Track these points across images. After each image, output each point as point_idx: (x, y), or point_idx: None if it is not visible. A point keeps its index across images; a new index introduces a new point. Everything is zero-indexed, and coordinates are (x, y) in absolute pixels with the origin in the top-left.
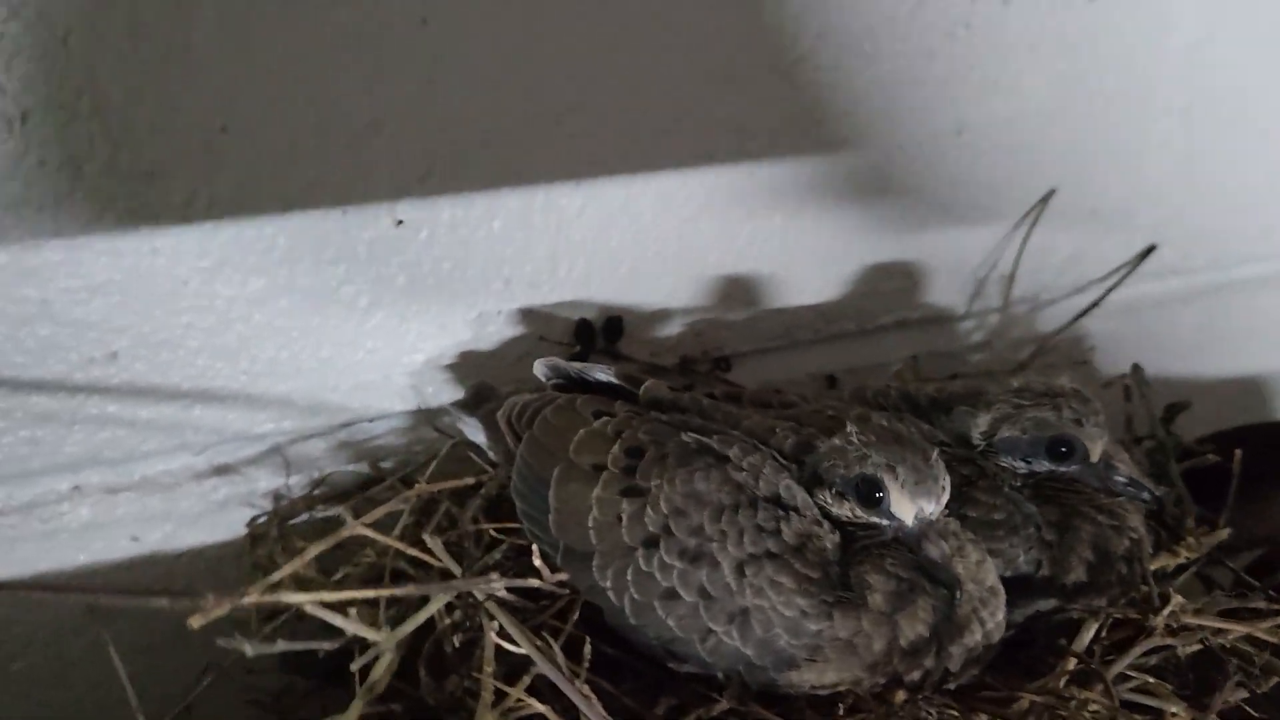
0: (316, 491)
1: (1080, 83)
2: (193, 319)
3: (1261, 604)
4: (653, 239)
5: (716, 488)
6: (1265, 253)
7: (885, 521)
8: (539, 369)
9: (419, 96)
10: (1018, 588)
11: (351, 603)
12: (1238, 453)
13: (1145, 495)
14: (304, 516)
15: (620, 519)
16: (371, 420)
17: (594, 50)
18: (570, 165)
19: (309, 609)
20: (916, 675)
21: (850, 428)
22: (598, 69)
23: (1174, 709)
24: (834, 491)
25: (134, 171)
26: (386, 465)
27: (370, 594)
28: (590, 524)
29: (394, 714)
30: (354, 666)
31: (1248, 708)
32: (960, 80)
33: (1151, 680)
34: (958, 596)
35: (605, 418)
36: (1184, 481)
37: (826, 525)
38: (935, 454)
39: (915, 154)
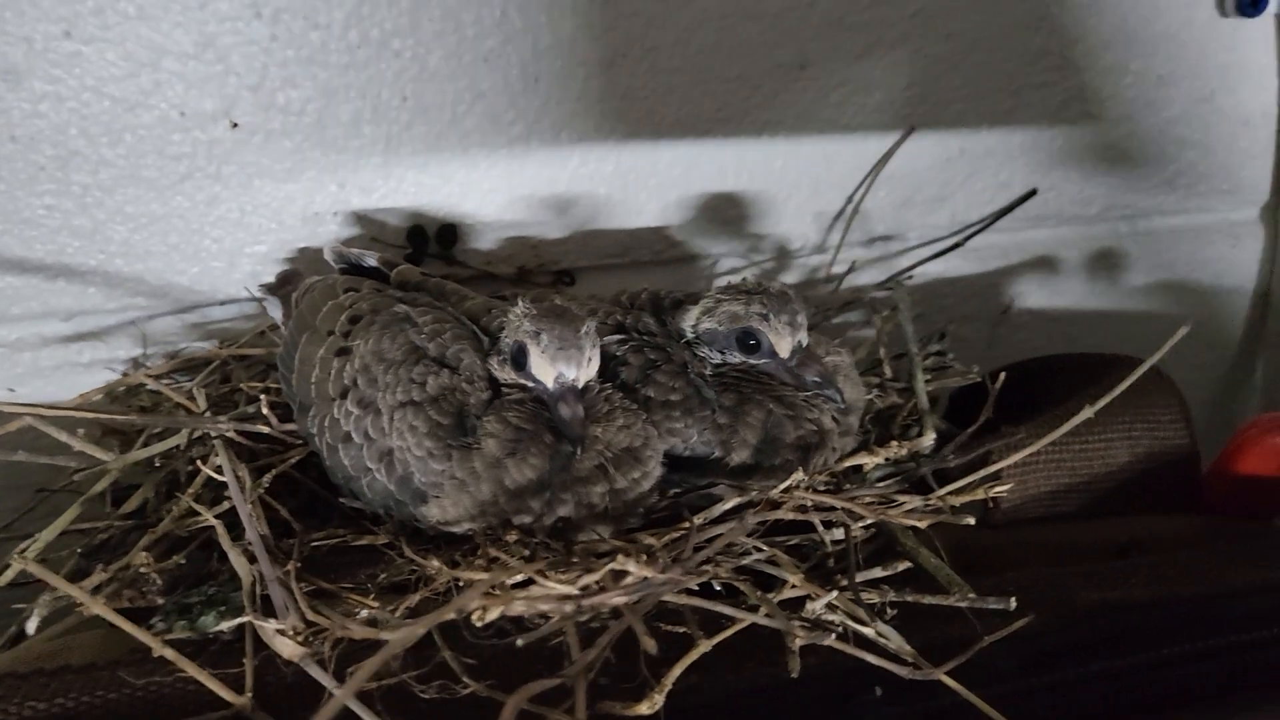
0: (169, 361)
1: None
2: (53, 201)
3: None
4: (482, 157)
5: (396, 347)
6: None
7: (531, 383)
8: (328, 254)
9: None
10: (693, 467)
11: (82, 423)
12: (1001, 375)
13: (830, 394)
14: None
15: (330, 375)
16: (221, 304)
17: None
18: (398, 81)
19: (36, 424)
20: (527, 518)
21: (520, 302)
22: None
23: (794, 579)
24: (500, 358)
25: None
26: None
27: (100, 415)
28: (313, 380)
29: (127, 527)
30: (75, 477)
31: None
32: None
33: (777, 553)
34: (578, 452)
35: (351, 293)
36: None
37: (481, 384)
38: (587, 328)
39: (760, 85)
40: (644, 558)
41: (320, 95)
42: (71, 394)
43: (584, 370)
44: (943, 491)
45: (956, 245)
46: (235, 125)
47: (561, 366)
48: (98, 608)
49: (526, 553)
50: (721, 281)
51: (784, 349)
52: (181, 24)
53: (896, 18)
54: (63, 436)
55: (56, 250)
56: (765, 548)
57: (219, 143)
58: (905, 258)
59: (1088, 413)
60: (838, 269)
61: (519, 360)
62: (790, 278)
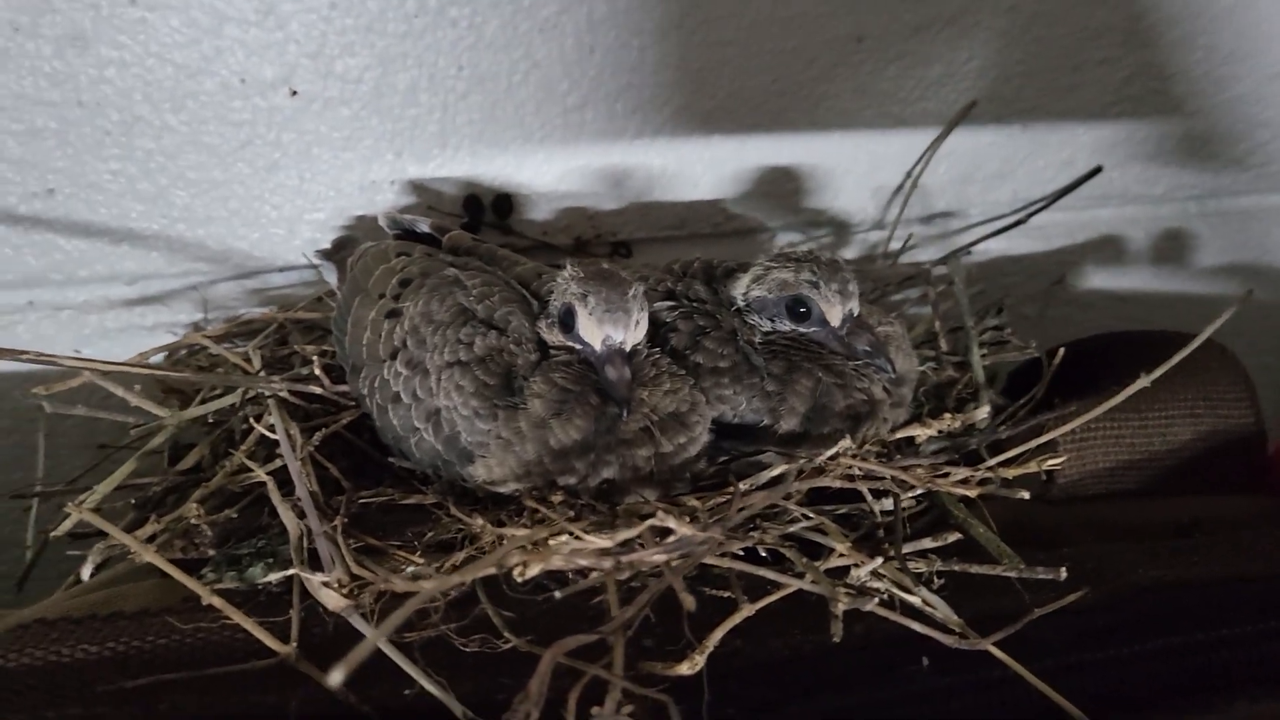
0: (234, 328)
1: None
2: (118, 166)
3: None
4: (537, 126)
5: (445, 309)
6: None
7: (578, 345)
8: (382, 220)
9: None
10: (741, 434)
11: (139, 379)
12: (1060, 350)
13: (881, 363)
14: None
15: (380, 336)
16: (280, 270)
17: None
18: (455, 50)
19: (95, 379)
20: (572, 479)
21: (569, 265)
22: None
23: (841, 547)
24: (548, 320)
25: None
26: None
27: (155, 372)
28: (364, 342)
29: (182, 482)
30: (133, 433)
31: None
32: None
33: (825, 521)
34: (624, 414)
35: (403, 257)
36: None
37: (529, 346)
38: (635, 291)
39: (816, 57)
40: (685, 518)
41: (378, 63)
42: (135, 356)
43: (631, 333)
44: (993, 461)
45: (1018, 223)
46: (294, 93)
47: (609, 328)
48: (150, 556)
49: (571, 513)
50: None
51: (834, 317)
52: None
53: None
54: (120, 392)
55: (121, 214)
56: (813, 515)
57: (278, 110)
58: (966, 235)
59: (1143, 382)
60: (896, 244)
61: (567, 322)
62: (849, 253)
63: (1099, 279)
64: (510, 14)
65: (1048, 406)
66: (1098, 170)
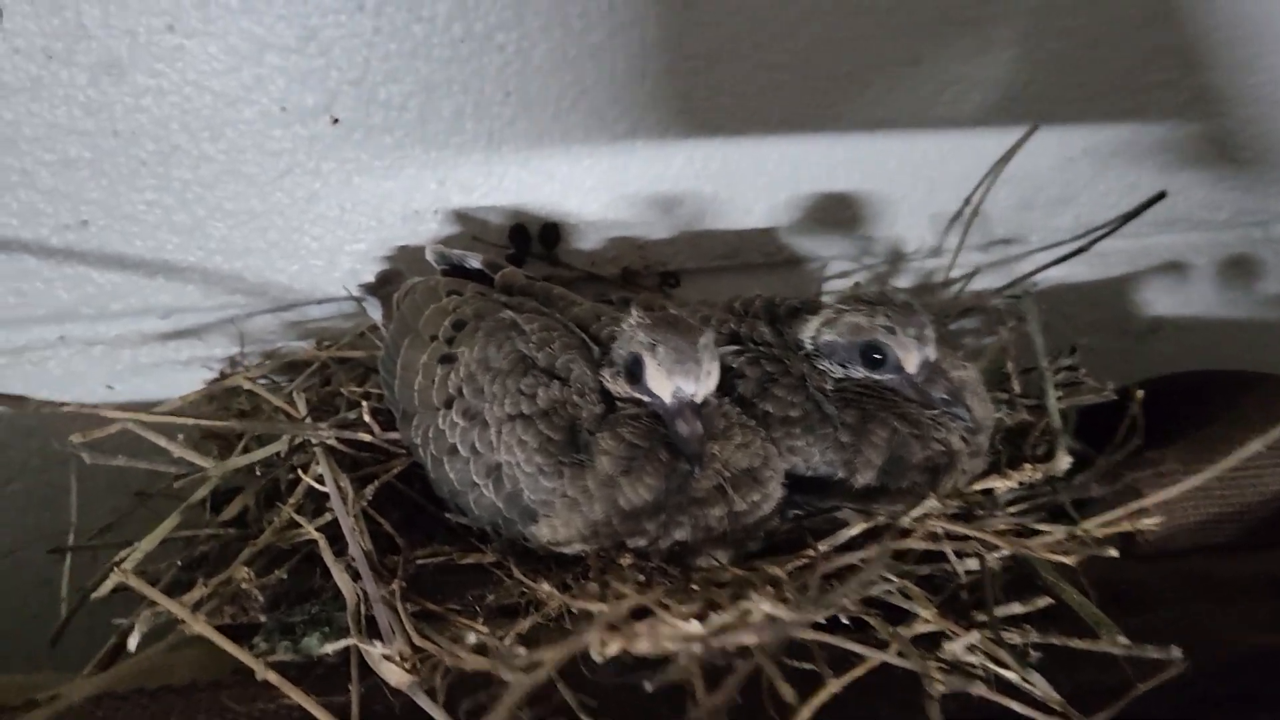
0: (268, 362)
1: None
2: (153, 197)
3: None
4: (584, 154)
5: (503, 356)
6: None
7: (647, 397)
8: (429, 254)
9: None
10: (814, 487)
11: (182, 429)
12: (1138, 393)
13: (959, 412)
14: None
15: (433, 382)
16: (319, 303)
17: None
18: (501, 76)
19: (133, 428)
20: (642, 541)
21: (634, 311)
22: None
23: (926, 613)
24: (613, 370)
25: None
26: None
27: (201, 422)
28: (416, 387)
29: (226, 535)
30: (177, 483)
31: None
32: None
33: (908, 585)
34: (696, 471)
35: (454, 296)
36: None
37: (593, 397)
38: (705, 340)
39: (871, 81)
40: (771, 590)
41: (422, 90)
42: (169, 392)
43: (702, 384)
44: (1089, 525)
45: (1081, 250)
46: (336, 120)
47: (679, 380)
48: (200, 626)
49: (642, 578)
50: (832, 285)
51: (911, 364)
52: (284, 17)
53: (1012, 12)
54: (162, 442)
55: (156, 246)
56: (895, 578)
57: (319, 138)
58: (1026, 262)
59: (1257, 445)
60: (955, 273)
61: (634, 373)
62: (903, 281)
63: (1162, 307)
64: (559, 38)
65: (1130, 452)
66: (1162, 195)
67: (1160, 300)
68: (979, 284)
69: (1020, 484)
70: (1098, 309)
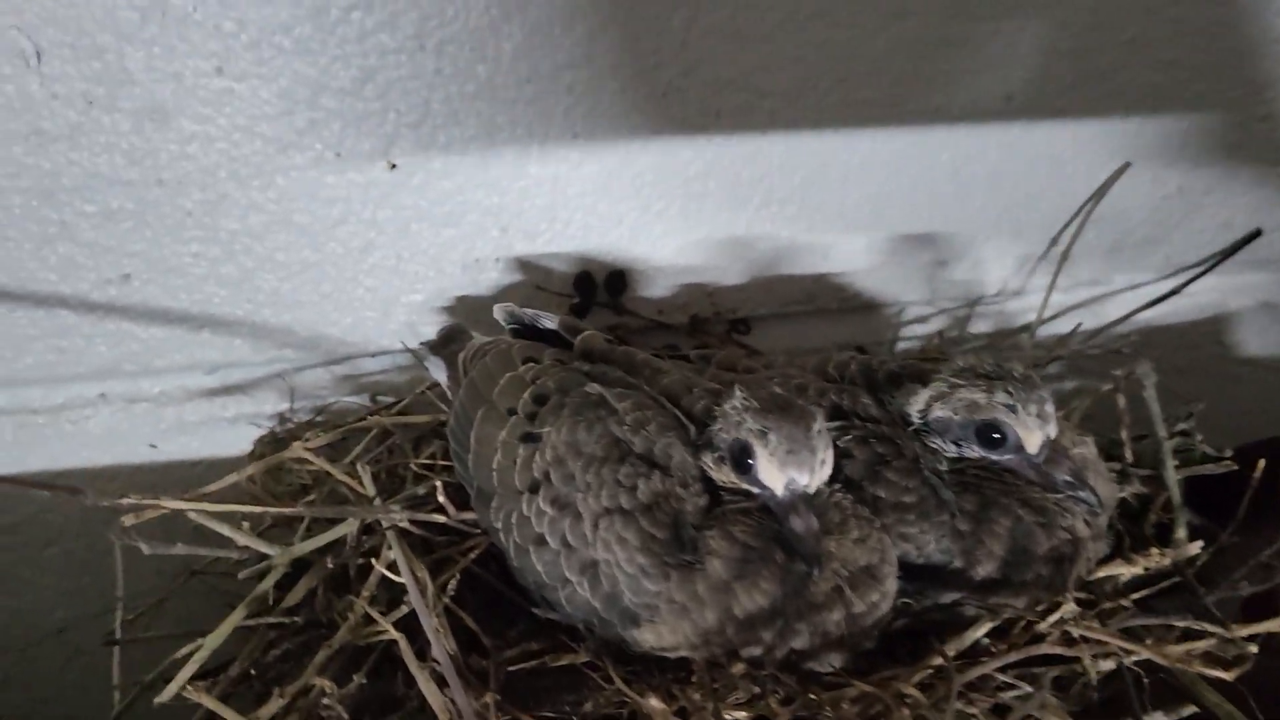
0: (318, 419)
1: None
2: (199, 249)
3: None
4: (655, 197)
5: (595, 439)
6: None
7: (757, 489)
8: (498, 313)
9: None
10: (928, 577)
11: (247, 517)
12: (1260, 462)
13: (1085, 496)
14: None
15: (515, 463)
16: (373, 356)
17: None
18: (568, 118)
19: (193, 516)
20: (757, 650)
21: (737, 392)
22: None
23: None
24: (716, 456)
25: None
26: (386, 400)
27: (259, 509)
28: (494, 466)
29: (295, 625)
30: (241, 575)
31: None
32: None
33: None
34: (814, 573)
35: (531, 364)
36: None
37: (696, 487)
38: (818, 425)
39: (959, 119)
40: (905, 712)
41: (484, 134)
42: (214, 450)
43: (817, 475)
44: (1245, 633)
45: (1174, 291)
46: (394, 166)
47: (793, 471)
48: None
49: (756, 689)
50: (910, 330)
51: (1032, 444)
52: (340, 58)
53: (1108, 45)
54: (225, 530)
55: (203, 300)
56: (1027, 685)
57: (376, 185)
58: (1111, 303)
59: None
60: (1039, 316)
61: (741, 462)
62: (981, 325)
63: (1253, 348)
64: (630, 77)
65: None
66: (1257, 234)
67: (1252, 341)
68: (1059, 327)
69: (1146, 570)
70: (1183, 352)
